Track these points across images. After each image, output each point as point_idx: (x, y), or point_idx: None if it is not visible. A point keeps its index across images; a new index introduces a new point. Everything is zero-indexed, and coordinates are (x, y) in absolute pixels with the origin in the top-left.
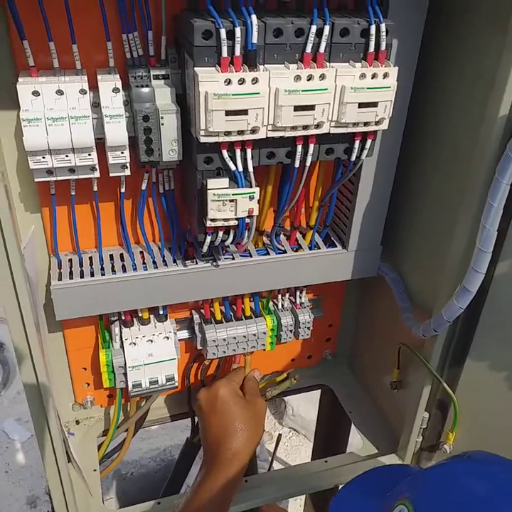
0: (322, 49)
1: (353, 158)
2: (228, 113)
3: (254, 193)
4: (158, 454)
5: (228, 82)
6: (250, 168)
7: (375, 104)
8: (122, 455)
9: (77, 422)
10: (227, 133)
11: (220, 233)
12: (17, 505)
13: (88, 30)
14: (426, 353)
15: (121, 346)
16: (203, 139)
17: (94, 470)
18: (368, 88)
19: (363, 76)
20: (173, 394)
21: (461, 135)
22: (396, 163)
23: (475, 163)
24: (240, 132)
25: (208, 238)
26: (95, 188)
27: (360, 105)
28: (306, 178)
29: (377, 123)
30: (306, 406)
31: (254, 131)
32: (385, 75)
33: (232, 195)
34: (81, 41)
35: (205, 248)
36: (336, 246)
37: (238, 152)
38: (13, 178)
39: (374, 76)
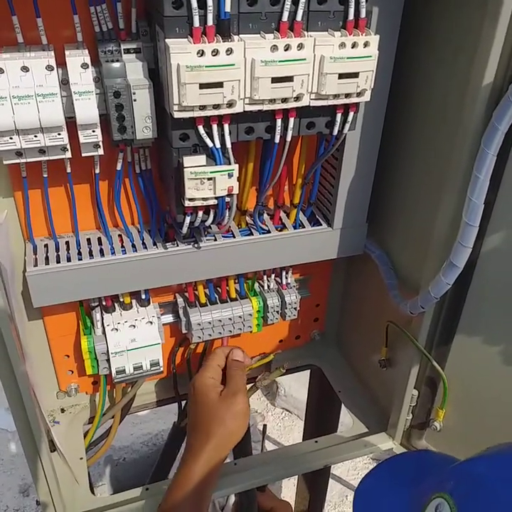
0: (299, 17)
1: (335, 132)
2: (202, 86)
3: (233, 170)
4: (150, 439)
5: (201, 53)
6: (228, 144)
7: (356, 75)
8: (109, 442)
9: (63, 410)
10: (202, 107)
11: (200, 213)
12: (9, 494)
13: (53, 2)
14: (414, 331)
15: (103, 332)
16: (176, 115)
17: (81, 458)
18: (348, 58)
19: (342, 45)
20: (160, 379)
21: (446, 106)
22: (380, 136)
23: (460, 133)
24: (216, 106)
25: (187, 219)
26: (68, 170)
27: (341, 76)
28: (288, 154)
29: (358, 94)
30: (298, 386)
31: (230, 104)
32: (366, 44)
33: (210, 173)
34: (46, 15)
35: (184, 229)
36: (321, 224)
37: (215, 127)
38: None
39: (354, 45)
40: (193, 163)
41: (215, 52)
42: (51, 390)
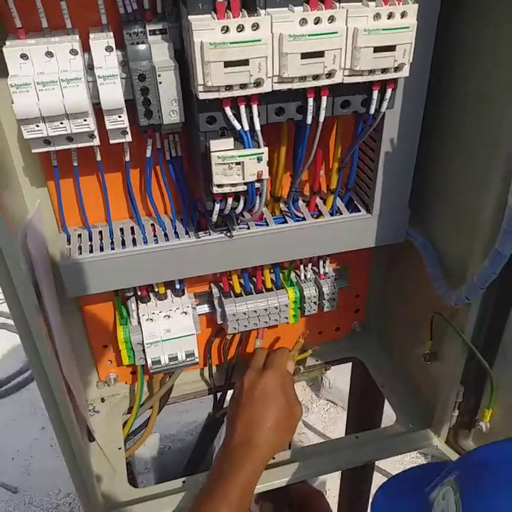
0: None
1: (372, 111)
2: (227, 64)
3: (262, 153)
4: (195, 428)
5: (226, 29)
6: (257, 127)
7: (392, 48)
8: (148, 432)
9: (103, 400)
10: (228, 87)
11: (229, 200)
12: (61, 479)
13: None
14: (460, 323)
15: (139, 322)
16: (201, 96)
17: (119, 448)
18: (383, 29)
19: (377, 16)
20: (198, 369)
21: (495, 80)
22: (422, 114)
23: (508, 110)
24: (243, 86)
25: (217, 206)
26: (98, 158)
27: (376, 49)
28: (323, 136)
29: (396, 69)
30: (343, 377)
31: (258, 84)
32: (403, 14)
33: (238, 157)
34: None
35: (214, 217)
36: (360, 210)
37: (243, 109)
38: (16, 152)
39: (390, 16)
40: (220, 147)
41: (241, 28)
42: (91, 379)
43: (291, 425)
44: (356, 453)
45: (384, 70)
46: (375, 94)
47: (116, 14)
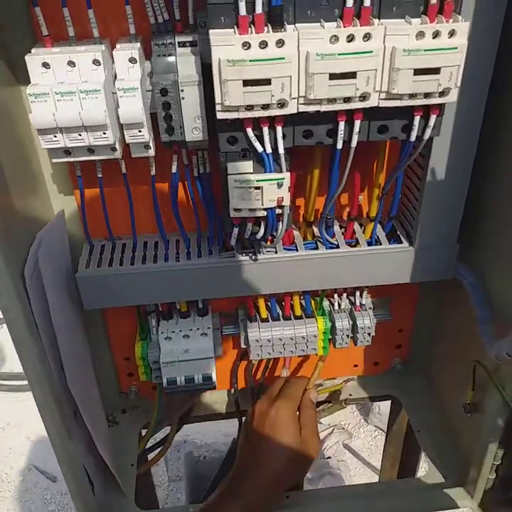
0: (368, 2)
1: (413, 137)
2: (246, 83)
3: (283, 179)
4: (233, 440)
5: (247, 46)
6: (280, 150)
7: (436, 71)
8: (164, 452)
9: (124, 411)
10: (249, 107)
11: (249, 225)
12: None
13: None
14: (502, 377)
15: (158, 340)
16: (219, 115)
17: (132, 464)
18: (425, 50)
19: (420, 35)
20: (223, 390)
21: None
22: (477, 141)
23: None
24: (265, 107)
25: (235, 230)
26: (124, 171)
27: (417, 72)
28: (362, 160)
29: (441, 94)
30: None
31: (282, 105)
32: (452, 33)
33: (257, 181)
34: (98, 6)
35: (233, 241)
36: (402, 242)
37: (266, 130)
38: (45, 159)
39: (436, 35)
40: (238, 170)
41: (264, 45)
42: (113, 390)
43: (302, 460)
44: (384, 502)
45: (427, 95)
46: (417, 120)
47: (146, 24)
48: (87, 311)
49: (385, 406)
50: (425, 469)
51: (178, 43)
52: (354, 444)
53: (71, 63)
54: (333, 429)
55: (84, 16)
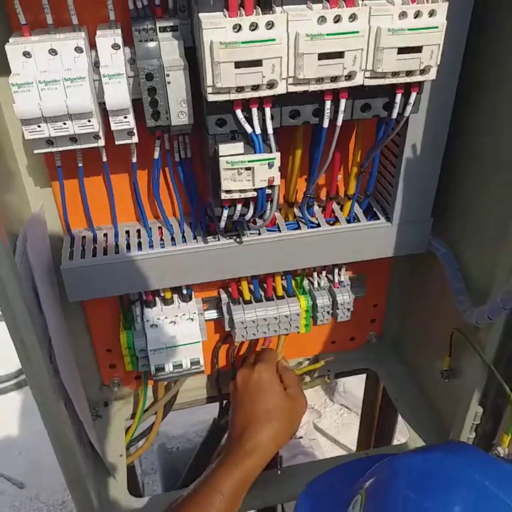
0: None
1: (395, 115)
2: (238, 65)
3: (273, 159)
4: (205, 428)
5: (238, 28)
6: (269, 130)
7: (418, 49)
8: (151, 440)
9: (106, 404)
10: (240, 89)
11: (238, 206)
12: None
13: None
14: (481, 342)
15: (143, 328)
16: (211, 98)
17: (121, 455)
18: (409, 29)
19: (403, 15)
20: (204, 376)
21: None
22: (449, 119)
23: None
24: (255, 88)
25: (225, 212)
26: (104, 159)
27: (400, 51)
28: (342, 139)
29: (422, 72)
30: (357, 383)
31: (271, 85)
32: (432, 13)
33: (248, 162)
34: None
35: (222, 224)
36: (379, 218)
37: (255, 111)
38: (20, 151)
39: (417, 14)
40: (230, 152)
41: (254, 27)
42: (94, 383)
43: (293, 415)
44: None
45: (409, 73)
46: (399, 97)
47: (125, 10)
48: (67, 303)
49: (349, 383)
50: (399, 440)
51: (159, 28)
52: (321, 424)
53: (52, 51)
54: None
55: (62, 3)
